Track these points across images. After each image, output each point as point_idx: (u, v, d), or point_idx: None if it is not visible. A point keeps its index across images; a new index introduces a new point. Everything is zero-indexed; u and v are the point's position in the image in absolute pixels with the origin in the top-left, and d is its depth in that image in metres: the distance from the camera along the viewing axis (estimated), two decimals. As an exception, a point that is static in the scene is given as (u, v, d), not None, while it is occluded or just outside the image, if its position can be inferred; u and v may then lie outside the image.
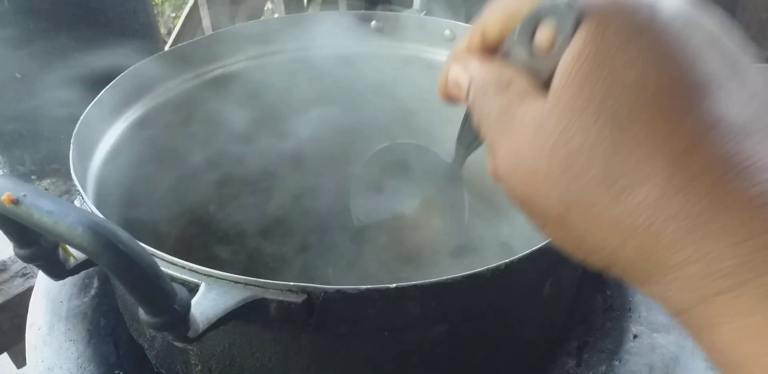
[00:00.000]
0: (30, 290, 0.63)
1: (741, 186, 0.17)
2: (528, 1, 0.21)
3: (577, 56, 0.19)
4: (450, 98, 0.25)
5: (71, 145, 0.40)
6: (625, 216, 0.18)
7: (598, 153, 0.18)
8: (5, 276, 0.64)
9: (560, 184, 0.19)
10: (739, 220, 0.17)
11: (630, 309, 0.45)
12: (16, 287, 0.64)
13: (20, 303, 0.63)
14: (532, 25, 0.21)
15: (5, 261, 0.66)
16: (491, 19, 0.23)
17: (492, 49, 0.23)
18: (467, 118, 0.32)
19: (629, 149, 0.18)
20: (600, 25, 0.19)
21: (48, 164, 0.65)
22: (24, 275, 0.64)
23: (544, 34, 0.20)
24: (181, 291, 0.28)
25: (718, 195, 0.17)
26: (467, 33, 0.24)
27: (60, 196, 0.63)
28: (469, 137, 0.34)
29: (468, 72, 0.23)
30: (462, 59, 0.24)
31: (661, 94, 0.18)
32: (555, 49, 0.20)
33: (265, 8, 1.17)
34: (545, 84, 0.20)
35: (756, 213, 0.17)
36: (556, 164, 0.19)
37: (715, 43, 0.19)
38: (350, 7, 1.04)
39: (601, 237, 0.19)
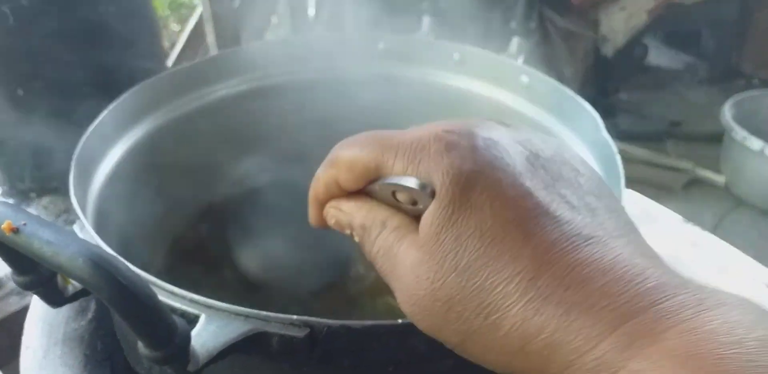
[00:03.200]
0: (25, 308, 0.62)
1: (584, 294, 0.20)
2: (381, 164, 0.24)
3: (431, 219, 0.22)
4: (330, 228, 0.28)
5: (72, 167, 0.40)
6: (508, 341, 0.21)
7: (467, 294, 0.21)
8: (1, 293, 0.63)
9: (449, 321, 0.22)
10: (591, 328, 0.20)
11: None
12: (12, 305, 0.63)
13: (16, 321, 0.62)
14: (389, 190, 0.24)
15: (1, 279, 0.65)
16: (345, 176, 0.25)
17: (354, 190, 0.26)
18: None
19: (491, 285, 0.21)
20: (443, 197, 0.22)
21: (47, 182, 0.65)
22: (20, 293, 0.63)
23: (404, 197, 0.24)
24: (181, 323, 0.28)
25: (575, 300, 0.20)
26: (319, 179, 0.27)
27: (59, 214, 0.63)
28: None
29: (345, 213, 0.26)
30: (331, 202, 0.27)
31: (503, 229, 0.21)
32: (419, 206, 0.23)
33: (271, 23, 1.18)
34: (417, 214, 0.24)
35: (599, 316, 0.20)
36: (439, 306, 0.22)
37: (538, 164, 0.23)
38: (356, 27, 1.05)
39: (497, 358, 0.22)
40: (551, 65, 1.49)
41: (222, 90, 0.53)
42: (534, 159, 0.23)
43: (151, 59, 0.65)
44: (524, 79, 0.51)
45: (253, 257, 0.53)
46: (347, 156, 0.25)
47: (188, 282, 0.33)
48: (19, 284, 0.32)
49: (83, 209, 0.38)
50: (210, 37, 0.98)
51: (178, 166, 0.51)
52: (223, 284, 0.52)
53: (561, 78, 0.46)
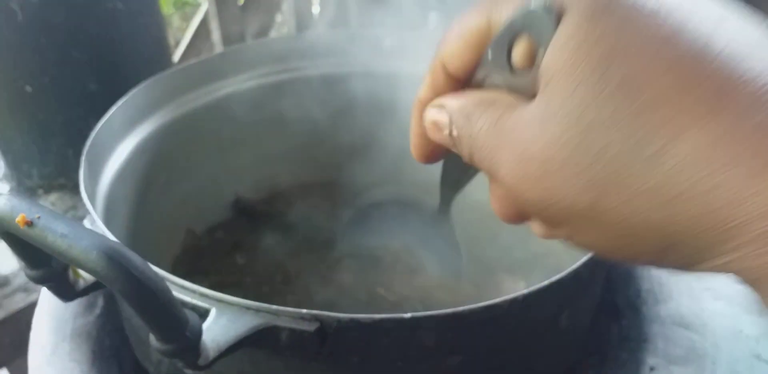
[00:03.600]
0: (32, 305, 0.62)
1: None
2: (492, 18, 0.20)
3: (561, 39, 0.18)
4: (432, 153, 0.24)
5: (81, 163, 0.40)
6: (668, 182, 0.16)
7: (617, 122, 0.16)
8: (7, 290, 0.63)
9: (583, 168, 0.17)
10: None
11: (646, 340, 0.44)
12: (18, 302, 0.63)
13: (21, 319, 0.62)
14: (505, 42, 0.19)
15: (7, 276, 0.65)
16: (449, 52, 0.21)
17: (461, 84, 0.22)
18: (448, 159, 0.29)
19: (650, 109, 0.16)
20: (577, 10, 0.18)
21: (55, 179, 0.65)
22: (26, 290, 0.63)
23: (522, 49, 0.19)
24: (192, 317, 0.28)
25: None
26: (425, 78, 0.22)
27: (66, 211, 0.63)
28: (453, 176, 0.31)
29: (445, 109, 0.21)
30: (432, 102, 0.22)
31: (666, 48, 0.17)
32: (538, 60, 0.18)
33: (276, 21, 1.18)
34: (531, 92, 0.19)
35: None
36: (572, 147, 0.17)
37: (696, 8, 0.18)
38: (360, 23, 1.05)
39: (645, 219, 0.17)
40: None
41: (229, 86, 0.54)
42: None
43: (158, 56, 0.65)
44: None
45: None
46: (453, 29, 0.21)
47: (197, 276, 0.33)
48: (31, 278, 0.32)
49: (93, 205, 0.38)
50: (215, 35, 0.98)
51: (186, 161, 0.51)
52: (232, 277, 0.53)
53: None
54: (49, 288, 0.33)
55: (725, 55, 0.16)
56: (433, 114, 0.22)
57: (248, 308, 0.31)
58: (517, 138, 0.19)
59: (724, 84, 0.16)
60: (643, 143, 0.16)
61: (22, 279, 0.63)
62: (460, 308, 0.31)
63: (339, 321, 0.30)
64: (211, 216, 0.57)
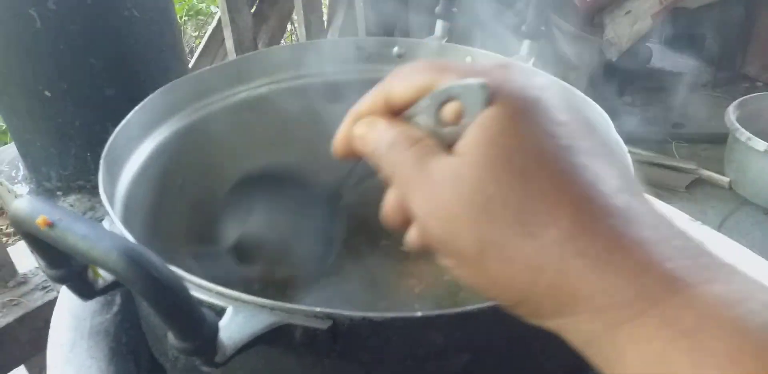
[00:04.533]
0: (50, 303, 0.64)
1: (633, 230, 0.20)
2: (437, 80, 0.24)
3: (488, 122, 0.22)
4: (349, 154, 0.27)
5: (101, 166, 0.41)
6: (537, 255, 0.21)
7: (511, 200, 0.21)
8: (26, 288, 0.65)
9: (477, 227, 0.22)
10: (633, 257, 0.20)
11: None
12: (36, 300, 0.64)
13: (39, 316, 0.64)
14: (440, 100, 0.24)
15: (26, 274, 0.66)
16: (398, 88, 0.25)
17: (395, 113, 0.25)
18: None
19: (538, 196, 0.21)
20: (506, 101, 0.22)
21: (73, 181, 0.66)
22: (44, 288, 0.65)
23: (451, 110, 0.23)
24: (209, 315, 0.29)
25: (615, 236, 0.20)
26: (368, 96, 0.26)
27: (85, 212, 0.64)
28: (359, 174, 0.36)
29: (376, 129, 0.25)
30: (366, 118, 0.26)
31: (561, 154, 0.21)
32: (462, 123, 0.23)
33: (288, 29, 1.19)
34: (453, 139, 0.23)
35: (647, 251, 0.20)
36: (473, 209, 0.22)
37: (587, 124, 0.23)
38: (368, 31, 1.06)
39: (514, 275, 0.21)
40: (557, 69, 1.50)
41: (244, 92, 0.55)
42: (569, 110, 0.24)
43: (172, 62, 0.66)
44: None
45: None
46: (406, 70, 0.25)
47: (213, 277, 0.34)
48: (51, 277, 0.33)
49: (112, 207, 0.39)
50: (228, 43, 1.00)
51: (201, 165, 0.52)
52: (248, 280, 0.54)
53: (566, 81, 0.47)
54: (69, 287, 0.34)
55: (601, 176, 0.22)
56: (363, 129, 0.26)
57: (263, 306, 0.32)
58: (435, 183, 0.23)
59: (589, 190, 0.21)
60: (526, 221, 0.21)
61: (40, 277, 0.65)
62: (469, 307, 0.31)
63: (351, 319, 0.31)
64: (227, 219, 0.58)
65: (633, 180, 0.23)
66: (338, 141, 0.28)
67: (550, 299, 0.21)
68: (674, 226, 0.22)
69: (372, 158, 0.26)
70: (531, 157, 0.21)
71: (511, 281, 0.22)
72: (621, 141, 0.44)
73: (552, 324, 0.22)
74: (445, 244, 0.23)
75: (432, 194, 0.23)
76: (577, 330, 0.21)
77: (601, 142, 0.23)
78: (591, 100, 0.48)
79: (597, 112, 0.47)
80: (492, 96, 0.22)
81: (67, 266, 0.32)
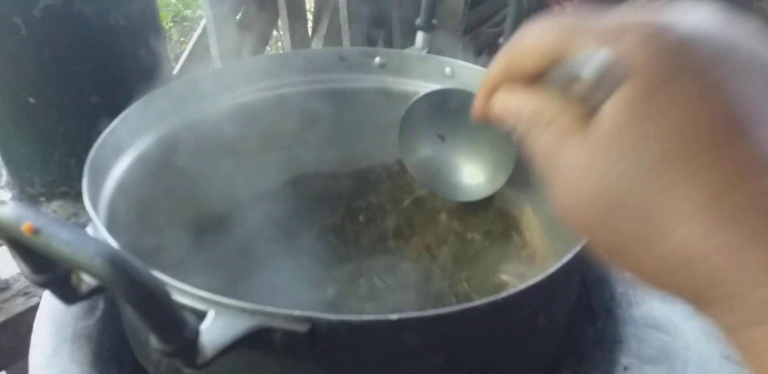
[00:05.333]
0: (31, 309, 0.64)
1: None
2: (566, 46, 0.22)
3: (620, 105, 0.20)
4: (492, 121, 0.26)
5: (85, 172, 0.41)
6: (674, 251, 0.19)
7: (646, 193, 0.19)
8: (7, 294, 0.65)
9: (614, 220, 0.20)
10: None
11: (620, 341, 0.46)
12: (18, 306, 0.64)
13: (21, 322, 0.63)
14: (572, 74, 0.22)
15: (8, 280, 0.66)
16: (526, 57, 0.23)
17: (532, 77, 0.24)
18: None
19: (674, 189, 0.19)
20: (640, 78, 0.20)
21: (57, 187, 0.66)
22: (26, 294, 0.65)
23: (585, 83, 0.21)
24: (191, 319, 0.29)
25: (761, 228, 0.18)
26: (497, 62, 0.25)
27: (68, 218, 0.64)
28: None
29: (515, 100, 0.24)
30: (505, 87, 0.25)
31: (701, 135, 0.19)
32: (599, 93, 0.21)
33: (273, 35, 1.20)
34: (592, 111, 0.21)
35: None
36: (609, 202, 0.20)
37: (753, 67, 0.20)
38: (352, 40, 1.08)
39: (654, 267, 0.20)
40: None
41: (228, 100, 0.56)
42: (751, 62, 0.20)
43: (157, 70, 0.67)
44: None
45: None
46: (532, 35, 0.23)
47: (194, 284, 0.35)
48: (34, 283, 0.33)
49: (96, 213, 0.40)
50: (213, 50, 1.01)
51: (186, 171, 0.53)
52: (230, 287, 0.54)
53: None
54: (53, 292, 0.34)
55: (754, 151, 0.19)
56: (504, 100, 0.25)
57: (244, 310, 0.32)
58: (568, 174, 0.22)
59: (733, 182, 0.18)
60: (662, 215, 0.19)
61: (22, 283, 0.65)
62: (443, 309, 0.32)
63: (330, 322, 0.32)
64: (209, 228, 0.59)
65: None
66: (477, 111, 0.27)
67: (690, 292, 0.20)
68: None
69: (516, 133, 0.25)
70: (667, 141, 0.19)
71: (651, 272, 0.20)
72: None
73: (697, 310, 0.21)
74: (588, 233, 0.22)
75: (566, 186, 0.22)
76: (718, 322, 0.20)
77: None
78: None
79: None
80: (626, 69, 0.20)
81: (51, 271, 0.32)
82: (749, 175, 0.18)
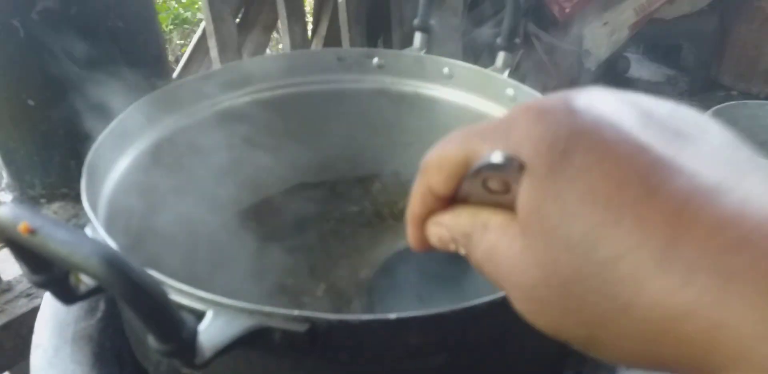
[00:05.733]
0: (34, 310, 0.64)
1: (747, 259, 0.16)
2: (468, 155, 0.22)
3: (525, 195, 0.19)
4: (429, 247, 0.26)
5: (83, 173, 0.42)
6: (651, 315, 0.17)
7: (586, 272, 0.18)
8: (9, 296, 0.65)
9: (570, 311, 0.19)
10: None
11: (621, 340, 0.46)
12: (20, 307, 0.64)
13: (23, 323, 0.64)
14: (480, 179, 0.22)
15: (10, 281, 0.66)
16: (434, 181, 0.23)
17: (449, 200, 0.24)
18: None
19: (618, 253, 0.17)
20: (532, 167, 0.19)
21: (57, 189, 0.67)
22: (28, 295, 0.65)
23: (496, 182, 0.21)
24: (189, 318, 0.29)
25: (737, 273, 0.16)
26: (415, 196, 0.25)
27: (68, 220, 0.64)
28: None
29: (445, 227, 0.24)
30: (431, 219, 0.25)
31: (619, 195, 0.17)
32: (513, 189, 0.21)
33: (272, 37, 1.20)
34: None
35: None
36: (555, 294, 0.19)
37: (648, 121, 0.19)
38: (352, 41, 1.08)
39: (636, 351, 0.18)
40: (536, 78, 1.52)
41: (227, 101, 0.56)
42: (647, 117, 0.19)
43: (157, 72, 0.67)
44: (510, 91, 0.53)
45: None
46: (434, 156, 0.23)
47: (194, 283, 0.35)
48: (33, 282, 0.33)
49: (95, 214, 0.40)
50: (213, 52, 1.01)
51: (184, 173, 0.53)
52: (228, 289, 0.54)
53: (545, 91, 0.49)
54: (51, 292, 0.34)
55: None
56: (435, 231, 0.25)
57: (242, 310, 0.32)
58: (511, 273, 0.20)
59: (677, 228, 0.17)
60: (613, 291, 0.17)
61: (24, 285, 0.65)
62: (442, 309, 0.32)
63: (329, 322, 0.32)
64: (208, 229, 0.59)
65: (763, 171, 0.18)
66: (416, 245, 0.26)
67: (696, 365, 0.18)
68: None
69: (463, 254, 0.24)
70: (596, 206, 0.18)
71: (639, 356, 0.19)
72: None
73: None
74: (556, 332, 0.20)
75: (515, 286, 0.20)
76: None
77: (674, 130, 0.18)
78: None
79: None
80: (521, 163, 0.19)
81: (49, 272, 0.32)
82: (692, 213, 0.17)
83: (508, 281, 0.21)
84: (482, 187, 0.22)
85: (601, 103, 0.19)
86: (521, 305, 0.21)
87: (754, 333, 0.15)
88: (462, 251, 0.24)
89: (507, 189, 0.21)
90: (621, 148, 0.18)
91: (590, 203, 0.18)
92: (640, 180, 0.17)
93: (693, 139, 0.19)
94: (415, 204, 0.25)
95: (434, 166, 0.23)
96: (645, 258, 0.17)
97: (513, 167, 0.20)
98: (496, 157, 0.20)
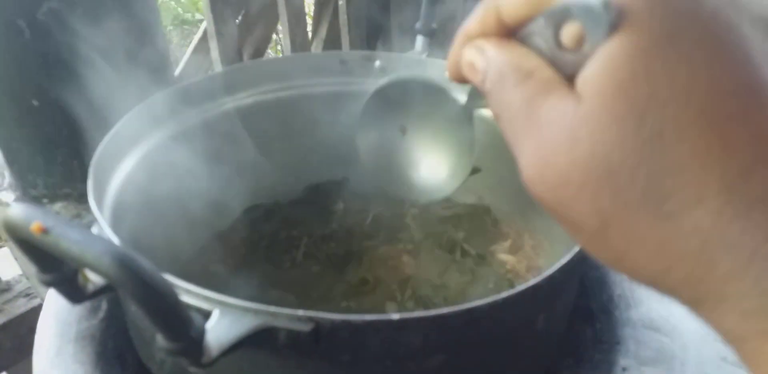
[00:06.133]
0: (33, 310, 0.64)
1: None
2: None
3: (614, 59, 0.17)
4: (461, 80, 0.23)
5: (90, 173, 0.42)
6: (674, 241, 0.16)
7: (643, 171, 0.16)
8: (9, 296, 0.65)
9: (597, 198, 0.17)
10: None
11: (619, 342, 0.47)
12: (19, 307, 0.65)
13: (22, 323, 0.64)
14: (558, 19, 0.19)
15: (9, 281, 0.67)
16: (510, 2, 0.21)
17: (508, 33, 0.21)
18: None
19: (678, 169, 0.16)
20: (639, 27, 0.16)
21: (60, 188, 0.67)
22: (27, 295, 0.65)
23: (572, 32, 0.18)
24: (196, 318, 0.30)
25: None
26: (478, 11, 0.22)
27: (71, 219, 0.65)
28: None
29: (484, 56, 0.21)
30: (476, 40, 0.22)
31: (712, 105, 0.16)
32: (585, 48, 0.18)
33: (272, 39, 1.21)
34: (570, 79, 0.18)
35: None
36: (593, 177, 0.17)
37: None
38: (352, 44, 1.08)
39: (645, 258, 0.17)
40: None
41: (230, 103, 0.56)
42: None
43: (160, 72, 0.68)
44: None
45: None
46: None
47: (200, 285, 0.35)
48: (42, 281, 0.34)
49: (101, 214, 0.40)
50: (214, 53, 1.01)
51: (188, 174, 0.53)
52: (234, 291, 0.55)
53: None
54: (59, 291, 0.35)
55: None
56: (471, 55, 0.22)
57: (248, 309, 0.33)
58: (544, 137, 0.18)
59: (759, 155, 0.15)
60: (661, 199, 0.16)
61: (23, 285, 0.65)
62: (443, 310, 0.33)
63: (332, 321, 0.32)
64: (214, 229, 0.59)
65: None
66: (449, 66, 0.24)
67: (687, 290, 0.17)
68: None
69: (482, 89, 0.22)
70: (673, 110, 0.16)
71: (639, 263, 0.17)
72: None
73: (691, 311, 0.17)
74: (559, 213, 0.18)
75: (541, 152, 0.18)
76: (717, 326, 0.17)
77: None
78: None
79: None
80: (620, 19, 0.16)
81: (58, 271, 0.33)
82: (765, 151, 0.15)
83: (538, 141, 0.18)
84: (552, 33, 0.19)
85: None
86: (541, 168, 0.18)
87: (744, 292, 0.15)
88: (487, 87, 0.21)
89: (577, 44, 0.18)
90: (743, 51, 0.16)
91: (686, 100, 0.15)
92: (746, 98, 0.16)
93: None
94: (472, 20, 0.22)
95: None
96: (709, 180, 0.16)
97: (607, 18, 0.17)
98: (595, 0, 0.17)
